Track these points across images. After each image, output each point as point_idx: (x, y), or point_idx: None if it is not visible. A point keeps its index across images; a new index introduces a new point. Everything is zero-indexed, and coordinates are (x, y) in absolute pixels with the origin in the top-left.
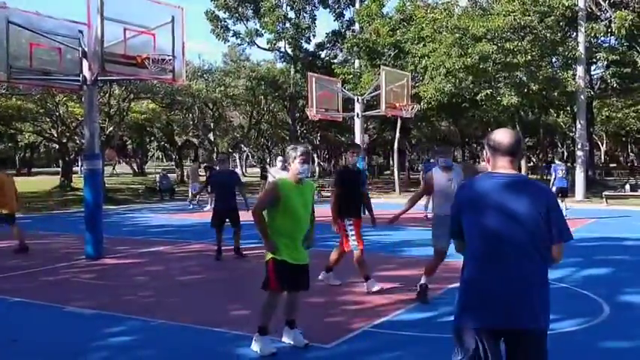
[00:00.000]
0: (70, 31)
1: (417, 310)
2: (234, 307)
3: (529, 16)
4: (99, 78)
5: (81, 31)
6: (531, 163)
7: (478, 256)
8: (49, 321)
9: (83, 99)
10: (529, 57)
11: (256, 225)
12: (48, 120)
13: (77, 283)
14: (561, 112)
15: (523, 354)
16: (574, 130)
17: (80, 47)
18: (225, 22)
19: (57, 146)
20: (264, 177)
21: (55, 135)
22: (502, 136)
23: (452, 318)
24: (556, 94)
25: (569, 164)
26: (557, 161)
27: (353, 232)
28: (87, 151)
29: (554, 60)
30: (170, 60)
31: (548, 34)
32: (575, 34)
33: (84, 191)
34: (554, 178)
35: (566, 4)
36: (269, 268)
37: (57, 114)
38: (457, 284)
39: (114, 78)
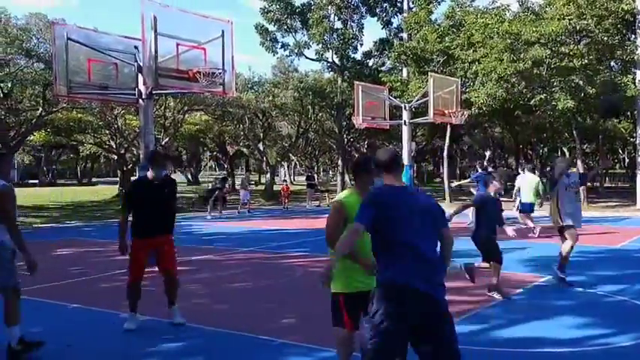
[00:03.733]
0: (126, 46)
1: (467, 323)
2: (281, 315)
3: (585, 19)
4: (153, 92)
5: (136, 47)
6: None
7: None
8: (104, 327)
9: (139, 112)
10: (585, 61)
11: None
12: (107, 132)
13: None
14: (622, 117)
15: None
16: (635, 135)
17: (135, 62)
18: (274, 34)
19: (115, 157)
20: (311, 185)
21: (114, 146)
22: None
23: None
24: (614, 98)
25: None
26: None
27: None
28: (143, 162)
29: (612, 64)
30: (220, 73)
31: (605, 38)
32: (634, 37)
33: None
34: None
35: (626, 9)
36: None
37: (115, 126)
38: (509, 296)
39: (167, 92)
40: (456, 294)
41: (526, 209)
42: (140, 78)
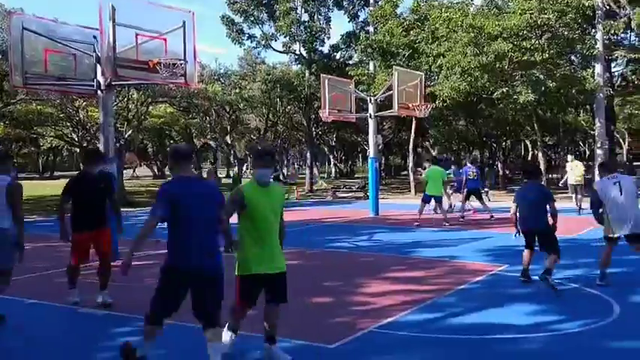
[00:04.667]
0: (85, 37)
1: (424, 311)
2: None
3: (546, 14)
4: (112, 83)
5: (95, 37)
6: (553, 163)
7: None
8: (62, 322)
9: (97, 103)
10: (546, 55)
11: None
12: (68, 124)
13: (90, 285)
14: (581, 110)
15: None
16: (594, 128)
17: (94, 53)
18: (241, 25)
19: (78, 150)
20: (276, 178)
21: (76, 139)
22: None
23: (460, 320)
24: (574, 92)
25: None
26: (468, 164)
27: None
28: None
29: (572, 58)
30: (181, 64)
31: (566, 32)
32: (593, 31)
33: None
34: (465, 181)
35: (586, 4)
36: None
37: (77, 118)
38: (465, 285)
39: (127, 83)
40: (414, 284)
41: (427, 200)
42: (99, 69)
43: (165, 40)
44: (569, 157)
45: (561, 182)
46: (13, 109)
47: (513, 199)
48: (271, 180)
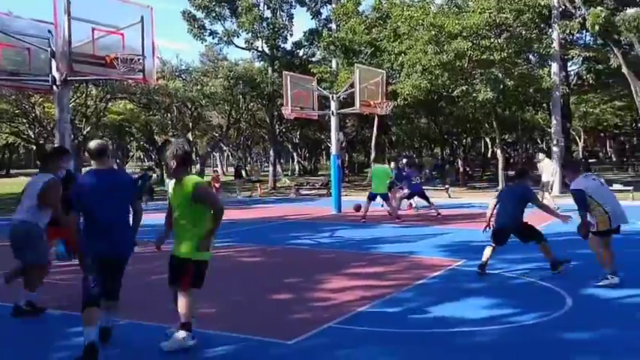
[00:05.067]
0: (40, 31)
1: (383, 306)
2: (199, 306)
3: (504, 13)
4: (68, 78)
5: (50, 32)
6: (512, 160)
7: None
8: (16, 323)
9: (53, 99)
10: (505, 54)
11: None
12: (24, 121)
13: (47, 284)
14: (539, 108)
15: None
16: (551, 125)
17: (49, 47)
18: (202, 21)
19: (34, 147)
20: (239, 176)
21: (32, 136)
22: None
23: (418, 314)
24: (532, 90)
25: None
26: (406, 168)
27: None
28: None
29: (530, 57)
30: (139, 59)
31: (523, 32)
32: (550, 31)
33: None
34: (409, 184)
35: (542, 3)
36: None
37: (33, 115)
38: (424, 280)
39: (83, 78)
40: (374, 279)
41: (373, 197)
42: (54, 64)
43: (122, 35)
44: (540, 155)
45: (543, 182)
46: None
47: (496, 197)
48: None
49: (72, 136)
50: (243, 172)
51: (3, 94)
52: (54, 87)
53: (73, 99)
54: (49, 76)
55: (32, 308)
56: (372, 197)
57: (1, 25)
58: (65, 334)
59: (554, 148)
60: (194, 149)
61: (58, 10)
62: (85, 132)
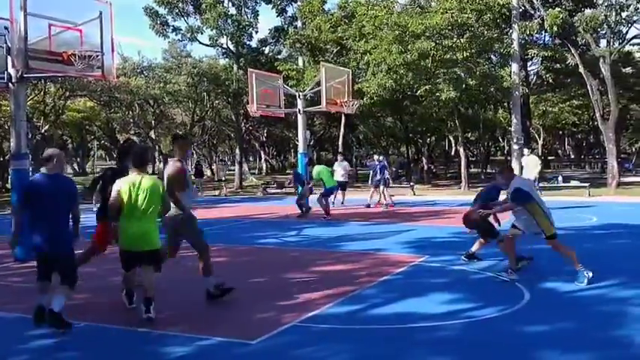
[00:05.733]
0: None
1: (346, 304)
2: (159, 307)
3: (466, 13)
4: (24, 75)
5: (6, 28)
6: (474, 158)
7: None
8: None
9: (8, 97)
10: (467, 54)
11: None
12: None
13: (3, 287)
14: (499, 107)
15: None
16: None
17: (5, 44)
18: (165, 17)
19: None
20: (199, 175)
21: None
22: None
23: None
24: (492, 89)
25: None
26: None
27: None
28: (14, 151)
29: (491, 57)
30: (97, 56)
31: (485, 32)
32: (510, 31)
33: (11, 192)
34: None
35: (502, 3)
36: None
37: None
38: (388, 277)
39: (39, 75)
40: (339, 277)
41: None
42: (9, 60)
43: (80, 31)
44: (526, 151)
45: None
46: None
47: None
48: None
49: (29, 134)
50: (209, 171)
51: None
52: (9, 84)
53: (30, 96)
54: (4, 73)
55: (220, 291)
56: (327, 194)
57: None
58: (21, 338)
59: (514, 146)
60: (157, 147)
61: (14, 5)
62: (43, 130)
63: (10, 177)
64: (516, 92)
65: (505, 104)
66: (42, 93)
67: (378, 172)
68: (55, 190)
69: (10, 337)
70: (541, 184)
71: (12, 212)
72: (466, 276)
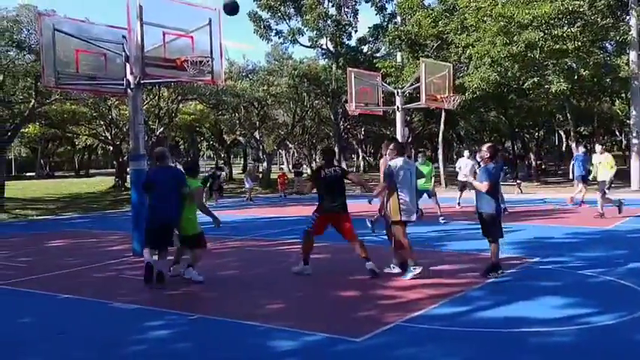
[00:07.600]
0: (115, 36)
1: (452, 305)
2: (267, 302)
3: (578, 0)
4: (141, 81)
5: (124, 37)
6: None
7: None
8: (95, 316)
9: (127, 101)
10: (579, 43)
11: None
12: (102, 123)
13: (123, 280)
14: (616, 98)
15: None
16: (630, 117)
17: (124, 52)
18: (268, 21)
19: (111, 148)
20: (298, 174)
21: (109, 137)
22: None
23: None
24: (608, 80)
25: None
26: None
27: None
28: (132, 152)
29: (606, 45)
30: (208, 61)
31: (599, 19)
32: (627, 17)
33: (131, 190)
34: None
35: None
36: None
37: (110, 117)
38: (495, 279)
39: (155, 81)
40: (446, 277)
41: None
42: (128, 68)
43: (192, 38)
44: (598, 148)
45: (591, 176)
46: (48, 109)
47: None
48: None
49: (146, 136)
50: (309, 170)
51: (82, 98)
52: (128, 90)
53: (146, 101)
54: (123, 79)
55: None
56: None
57: (79, 32)
58: (139, 329)
59: (634, 140)
60: (261, 147)
61: (132, 16)
62: (158, 132)
63: (129, 176)
64: (635, 82)
65: (623, 95)
66: (156, 97)
67: (581, 165)
68: (167, 178)
69: (130, 327)
70: None
71: (132, 209)
72: (581, 279)
